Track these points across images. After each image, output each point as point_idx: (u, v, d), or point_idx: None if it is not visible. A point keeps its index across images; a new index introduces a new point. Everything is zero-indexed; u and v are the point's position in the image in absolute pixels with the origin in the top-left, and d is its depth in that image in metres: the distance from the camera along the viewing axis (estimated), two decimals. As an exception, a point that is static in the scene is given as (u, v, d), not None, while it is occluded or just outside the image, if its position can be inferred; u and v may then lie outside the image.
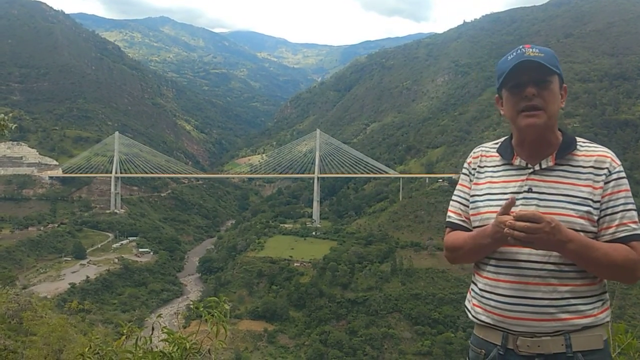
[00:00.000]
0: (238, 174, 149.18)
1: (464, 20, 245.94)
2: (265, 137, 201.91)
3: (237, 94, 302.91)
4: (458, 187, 2.79)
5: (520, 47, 2.47)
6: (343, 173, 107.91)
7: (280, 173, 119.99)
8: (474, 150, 2.82)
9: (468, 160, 2.80)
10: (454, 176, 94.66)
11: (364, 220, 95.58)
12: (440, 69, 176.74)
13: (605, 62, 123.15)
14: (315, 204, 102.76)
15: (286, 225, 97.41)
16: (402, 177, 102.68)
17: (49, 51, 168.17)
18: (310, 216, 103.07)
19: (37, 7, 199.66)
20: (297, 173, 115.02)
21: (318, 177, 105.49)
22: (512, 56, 2.46)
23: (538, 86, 2.40)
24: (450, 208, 2.79)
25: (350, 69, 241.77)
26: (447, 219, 2.80)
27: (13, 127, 5.50)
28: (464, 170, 2.80)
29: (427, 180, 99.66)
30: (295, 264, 79.06)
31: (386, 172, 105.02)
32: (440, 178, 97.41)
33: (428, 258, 78.64)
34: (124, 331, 3.90)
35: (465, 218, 2.71)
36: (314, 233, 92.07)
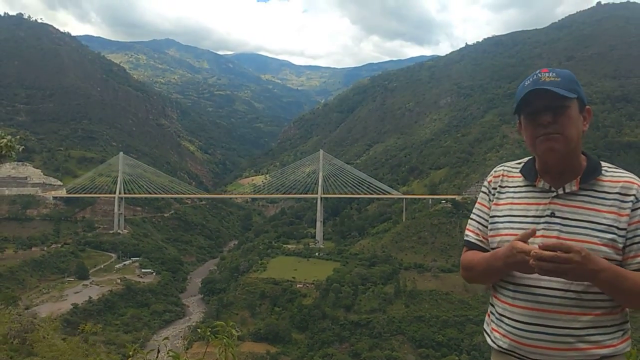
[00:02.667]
0: (241, 194, 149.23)
1: (466, 43, 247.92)
2: (269, 157, 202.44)
3: (241, 115, 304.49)
4: (477, 205, 2.74)
5: (538, 71, 2.44)
6: (346, 193, 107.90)
7: (283, 193, 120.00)
8: (495, 169, 2.76)
9: (488, 178, 2.74)
10: (457, 197, 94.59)
11: (367, 241, 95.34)
12: (442, 91, 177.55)
13: (608, 84, 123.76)
14: (319, 225, 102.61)
15: (289, 246, 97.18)
16: (405, 198, 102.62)
17: (54, 72, 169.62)
18: (314, 237, 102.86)
19: (44, 29, 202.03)
20: (301, 193, 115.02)
21: (321, 198, 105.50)
22: (528, 82, 2.42)
23: (554, 112, 2.36)
24: (468, 227, 2.74)
25: (353, 91, 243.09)
26: (465, 238, 2.74)
27: (20, 149, 5.56)
28: (483, 189, 2.75)
29: (430, 202, 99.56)
30: (298, 285, 78.69)
31: (389, 193, 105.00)
32: (444, 199, 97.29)
33: (432, 280, 78.30)
34: (130, 352, 3.93)
35: (483, 238, 2.66)
36: (317, 254, 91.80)
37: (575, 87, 2.39)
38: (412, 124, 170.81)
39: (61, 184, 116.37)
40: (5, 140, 4.97)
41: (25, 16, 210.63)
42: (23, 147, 5.43)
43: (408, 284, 76.49)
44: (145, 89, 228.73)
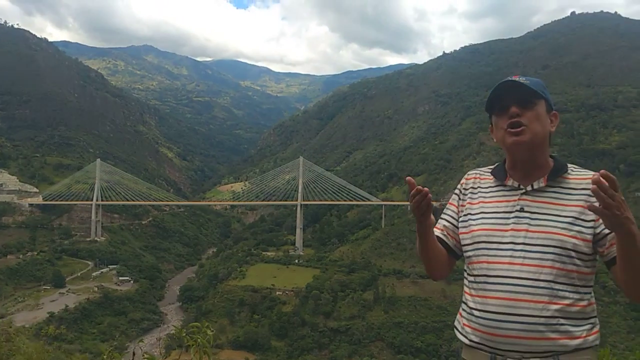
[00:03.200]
0: (220, 201, 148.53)
1: (444, 52, 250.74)
2: (248, 164, 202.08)
3: (220, 121, 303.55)
4: (447, 206, 2.92)
5: (509, 77, 2.60)
6: (326, 200, 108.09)
7: (263, 200, 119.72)
8: (468, 173, 2.91)
9: (461, 181, 2.89)
10: (435, 204, 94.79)
11: (347, 247, 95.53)
12: (420, 99, 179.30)
13: (582, 93, 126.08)
14: (298, 231, 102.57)
15: (269, 253, 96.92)
16: (385, 205, 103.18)
17: (31, 78, 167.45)
18: (293, 244, 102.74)
19: (20, 35, 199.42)
20: (280, 200, 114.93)
21: (301, 204, 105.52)
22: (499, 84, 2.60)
23: (522, 106, 2.50)
24: (436, 225, 2.88)
25: (332, 98, 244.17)
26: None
27: None
28: (455, 191, 2.90)
29: (409, 208, 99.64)
30: (278, 293, 78.51)
31: (369, 200, 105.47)
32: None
33: (410, 286, 78.64)
34: (104, 357, 4.02)
35: (447, 234, 2.83)
36: (296, 261, 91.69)
37: (543, 90, 2.56)
38: (391, 131, 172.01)
39: (37, 191, 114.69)
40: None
41: (2, 21, 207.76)
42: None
43: (387, 290, 76.73)
44: (123, 95, 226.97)
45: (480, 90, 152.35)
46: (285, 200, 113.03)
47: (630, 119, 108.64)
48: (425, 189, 2.52)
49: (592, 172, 2.49)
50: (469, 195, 2.80)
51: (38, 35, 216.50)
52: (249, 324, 71.82)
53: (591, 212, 2.37)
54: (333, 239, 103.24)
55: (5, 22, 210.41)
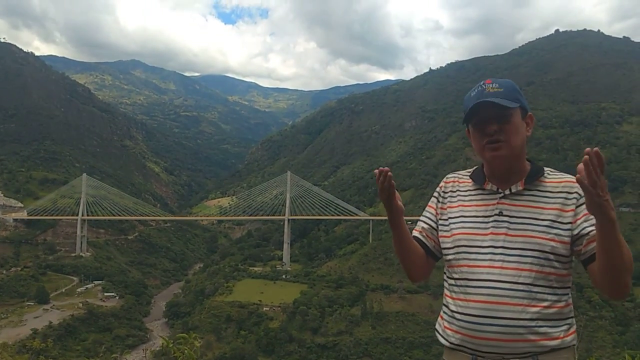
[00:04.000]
0: (207, 216, 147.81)
1: (430, 68, 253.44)
2: (236, 179, 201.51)
3: (207, 136, 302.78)
4: (426, 208, 2.95)
5: (482, 82, 2.62)
6: (314, 215, 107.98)
7: (250, 215, 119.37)
8: (447, 176, 2.95)
9: (440, 184, 2.94)
10: (414, 230, 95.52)
11: (334, 262, 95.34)
12: (407, 115, 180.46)
13: (566, 109, 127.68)
14: (286, 247, 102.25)
15: (256, 269, 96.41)
16: (372, 219, 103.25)
17: (17, 92, 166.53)
18: (281, 259, 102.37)
19: (7, 49, 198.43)
20: (268, 215, 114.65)
21: (289, 219, 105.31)
22: (474, 93, 2.60)
23: (499, 122, 2.52)
24: (415, 228, 2.93)
25: (320, 113, 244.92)
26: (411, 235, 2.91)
27: None
28: (434, 194, 2.93)
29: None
30: (265, 308, 78.00)
31: (356, 214, 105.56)
32: (409, 220, 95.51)
33: (398, 301, 78.58)
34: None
35: (426, 235, 2.87)
36: (284, 276, 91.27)
37: (517, 96, 2.58)
38: (378, 146, 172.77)
39: (22, 205, 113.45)
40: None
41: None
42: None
43: (375, 306, 76.59)
44: (110, 109, 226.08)
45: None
46: (273, 215, 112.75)
47: (613, 135, 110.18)
48: (386, 168, 2.58)
49: (569, 175, 2.58)
50: (449, 198, 2.84)
51: (25, 50, 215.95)
52: (236, 340, 71.18)
53: (568, 215, 2.45)
54: (320, 254, 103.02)
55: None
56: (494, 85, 2.58)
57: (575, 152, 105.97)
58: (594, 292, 65.03)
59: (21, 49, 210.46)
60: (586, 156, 2.06)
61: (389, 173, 2.58)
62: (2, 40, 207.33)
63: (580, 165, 2.08)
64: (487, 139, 2.56)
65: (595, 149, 2.08)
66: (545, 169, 2.67)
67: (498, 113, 2.52)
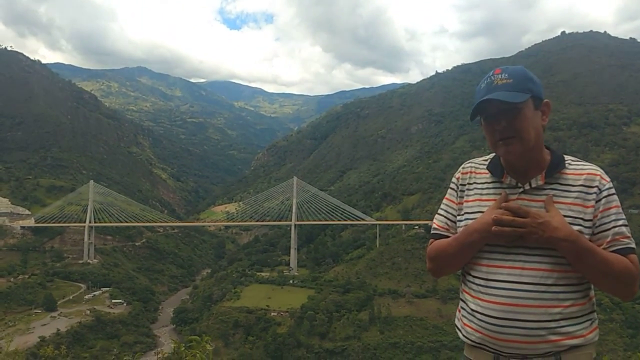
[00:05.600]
0: (214, 222, 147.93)
1: (436, 71, 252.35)
2: (242, 185, 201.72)
3: (214, 142, 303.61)
4: (444, 201, 2.81)
5: (491, 73, 2.52)
6: (320, 220, 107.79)
7: (257, 221, 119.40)
8: (463, 166, 2.81)
9: (457, 175, 2.79)
10: (429, 223, 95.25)
11: (341, 267, 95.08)
12: (414, 118, 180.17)
13: (573, 111, 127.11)
14: (293, 252, 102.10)
15: (263, 274, 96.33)
16: (379, 224, 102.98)
17: (24, 100, 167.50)
18: (288, 264, 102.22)
19: (14, 57, 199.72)
20: (274, 220, 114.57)
21: (295, 225, 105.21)
22: (483, 84, 2.50)
23: (508, 116, 2.41)
24: (435, 221, 2.80)
25: (326, 118, 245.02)
26: (432, 231, 2.79)
27: None
28: (451, 185, 2.80)
29: (403, 227, 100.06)
30: (273, 314, 77.86)
31: (363, 219, 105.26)
32: (417, 225, 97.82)
33: (406, 306, 78.24)
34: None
35: (451, 232, 2.72)
36: (291, 281, 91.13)
37: (528, 85, 2.46)
38: (384, 150, 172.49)
39: (29, 213, 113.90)
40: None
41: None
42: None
43: (382, 310, 76.29)
44: (116, 116, 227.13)
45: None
46: (280, 221, 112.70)
47: (621, 137, 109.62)
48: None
49: (591, 166, 2.53)
50: (466, 192, 2.71)
51: (31, 57, 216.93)
52: (244, 346, 71.06)
53: (589, 211, 2.42)
54: (327, 259, 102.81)
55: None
56: (502, 76, 2.47)
57: (583, 154, 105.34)
58: (604, 295, 64.53)
59: (28, 57, 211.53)
60: (495, 228, 2.30)
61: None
62: (9, 49, 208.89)
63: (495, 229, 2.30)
64: (498, 135, 2.45)
65: (504, 204, 2.32)
66: (566, 157, 2.54)
67: (506, 108, 2.41)
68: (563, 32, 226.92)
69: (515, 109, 2.40)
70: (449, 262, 2.64)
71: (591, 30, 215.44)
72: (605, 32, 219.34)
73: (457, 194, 2.74)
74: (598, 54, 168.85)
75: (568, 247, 2.25)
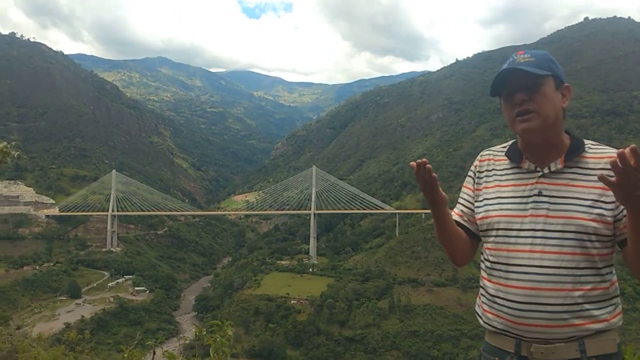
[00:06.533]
0: (235, 210, 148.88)
1: (457, 59, 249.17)
2: (262, 174, 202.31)
3: (233, 132, 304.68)
4: (462, 189, 2.82)
5: (514, 54, 2.53)
6: (339, 209, 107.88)
7: (276, 210, 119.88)
8: (481, 154, 2.82)
9: (475, 163, 2.80)
10: (453, 212, 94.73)
11: (360, 256, 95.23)
12: (434, 106, 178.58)
13: (597, 98, 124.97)
14: (312, 240, 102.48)
15: (283, 262, 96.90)
16: (398, 213, 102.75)
17: (47, 91, 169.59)
18: (307, 252, 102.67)
19: (36, 48, 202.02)
20: (294, 209, 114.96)
21: (314, 213, 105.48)
22: (505, 64, 2.51)
23: (528, 91, 2.41)
24: (454, 210, 2.81)
25: (345, 107, 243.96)
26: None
27: (16, 155, 5.58)
28: (469, 173, 2.80)
29: (423, 216, 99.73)
30: (292, 302, 78.38)
31: (382, 208, 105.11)
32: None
33: (426, 294, 78.21)
34: (125, 355, 4.06)
35: (467, 219, 2.75)
36: (310, 270, 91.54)
37: (550, 65, 2.47)
38: (404, 139, 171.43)
39: (53, 202, 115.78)
40: (0, 146, 5.02)
41: (18, 35, 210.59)
42: (19, 152, 5.51)
43: (402, 299, 76.35)
44: (138, 106, 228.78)
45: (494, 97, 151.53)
46: (299, 210, 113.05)
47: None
48: (424, 160, 2.49)
49: (611, 149, 2.46)
50: (484, 178, 2.72)
51: (53, 49, 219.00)
52: (264, 333, 71.78)
53: (611, 193, 2.27)
54: (347, 247, 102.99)
55: (22, 35, 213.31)
56: (525, 56, 2.48)
57: (607, 142, 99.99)
58: (627, 284, 63.83)
59: (50, 48, 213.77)
60: (613, 159, 1.96)
61: (428, 165, 2.48)
62: (32, 40, 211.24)
63: (612, 160, 1.98)
64: (517, 109, 2.44)
65: (633, 146, 1.93)
66: (586, 142, 2.53)
67: (527, 82, 2.41)
68: (586, 18, 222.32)
69: (536, 84, 2.41)
70: (440, 237, 2.75)
71: (615, 16, 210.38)
72: (629, 17, 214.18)
73: (475, 181, 2.76)
74: (622, 39, 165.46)
75: None
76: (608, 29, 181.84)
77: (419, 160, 2.48)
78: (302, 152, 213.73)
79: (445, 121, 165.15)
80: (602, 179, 2.06)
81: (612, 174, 2.20)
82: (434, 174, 2.50)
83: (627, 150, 1.94)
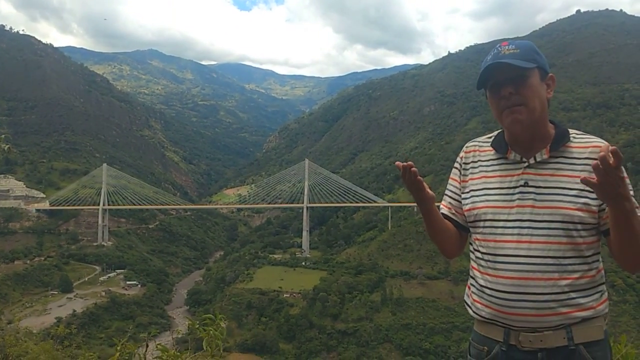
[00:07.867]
0: (227, 204, 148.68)
1: (449, 52, 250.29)
2: (254, 167, 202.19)
3: (225, 125, 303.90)
4: (449, 181, 2.83)
5: (498, 45, 2.52)
6: (332, 202, 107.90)
7: (269, 203, 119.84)
8: (466, 145, 2.82)
9: (460, 154, 2.80)
10: (440, 205, 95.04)
11: (353, 249, 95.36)
12: (426, 99, 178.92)
13: (588, 91, 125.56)
14: (305, 234, 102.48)
15: (275, 256, 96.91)
16: (391, 206, 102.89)
17: (37, 84, 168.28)
18: (300, 246, 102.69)
19: (26, 41, 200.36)
20: (286, 203, 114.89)
21: (307, 207, 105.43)
22: (490, 56, 2.50)
23: (515, 84, 2.41)
24: (442, 202, 2.83)
25: (337, 100, 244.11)
26: (440, 211, 2.80)
27: (6, 148, 5.42)
28: (455, 165, 2.81)
29: (415, 209, 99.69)
30: (285, 295, 78.45)
31: (375, 201, 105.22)
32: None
33: (418, 287, 78.46)
34: (118, 348, 3.94)
35: (455, 211, 2.76)
36: (303, 263, 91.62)
37: (534, 56, 2.46)
38: (396, 132, 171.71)
39: (44, 196, 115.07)
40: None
41: (7, 28, 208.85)
42: (9, 145, 5.37)
43: (394, 292, 76.57)
44: (128, 99, 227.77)
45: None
46: (291, 203, 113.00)
47: (637, 117, 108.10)
48: (409, 163, 2.48)
49: (596, 139, 2.49)
50: (470, 169, 2.71)
51: (43, 41, 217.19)
52: (257, 327, 71.80)
53: None
54: (339, 241, 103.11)
55: (11, 28, 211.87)
56: (510, 47, 2.47)
57: (598, 134, 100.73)
58: (617, 276, 64.33)
59: (40, 41, 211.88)
60: (595, 162, 1.99)
61: (413, 169, 2.48)
62: (21, 32, 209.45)
63: (595, 163, 2.00)
64: (505, 103, 2.44)
65: (612, 148, 1.99)
66: (571, 131, 2.52)
67: (513, 75, 2.42)
68: (578, 11, 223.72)
69: (522, 76, 2.41)
70: (430, 232, 2.75)
71: (607, 9, 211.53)
72: (621, 10, 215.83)
73: (461, 173, 2.76)
74: (614, 32, 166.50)
75: (628, 207, 2.13)
76: (600, 22, 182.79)
77: (404, 163, 2.49)
78: (294, 146, 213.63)
79: (438, 114, 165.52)
80: (584, 181, 2.09)
81: (597, 162, 2.20)
82: (419, 177, 2.51)
83: (608, 151, 1.97)
